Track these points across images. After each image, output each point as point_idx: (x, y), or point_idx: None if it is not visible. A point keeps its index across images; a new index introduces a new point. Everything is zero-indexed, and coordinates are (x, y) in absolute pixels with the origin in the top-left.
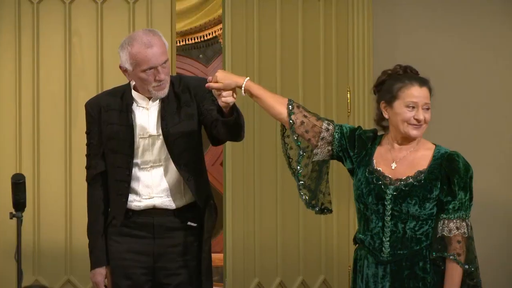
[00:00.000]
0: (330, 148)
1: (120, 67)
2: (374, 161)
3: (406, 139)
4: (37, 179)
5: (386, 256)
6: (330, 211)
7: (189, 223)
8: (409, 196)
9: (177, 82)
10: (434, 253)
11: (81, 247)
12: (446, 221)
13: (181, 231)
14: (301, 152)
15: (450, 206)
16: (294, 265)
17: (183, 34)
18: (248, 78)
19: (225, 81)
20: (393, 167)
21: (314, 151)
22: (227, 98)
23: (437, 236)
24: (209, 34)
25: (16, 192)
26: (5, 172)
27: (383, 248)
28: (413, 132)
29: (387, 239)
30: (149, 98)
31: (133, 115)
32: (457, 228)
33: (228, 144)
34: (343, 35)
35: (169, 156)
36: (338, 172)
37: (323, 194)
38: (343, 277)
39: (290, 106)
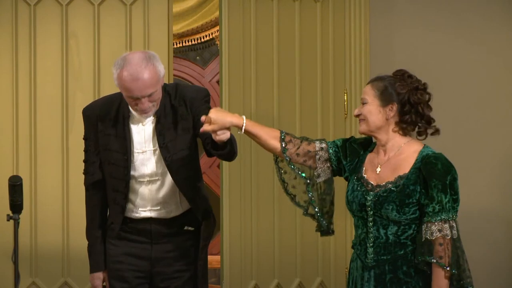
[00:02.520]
0: (329, 164)
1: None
2: (364, 168)
3: (374, 137)
4: (34, 181)
5: (370, 261)
6: (332, 232)
7: (186, 227)
8: (386, 202)
9: (173, 92)
10: (419, 257)
11: (78, 249)
12: (428, 224)
13: (179, 237)
14: (308, 181)
15: (430, 209)
16: (291, 267)
17: (180, 36)
18: (245, 118)
19: (220, 121)
20: (378, 172)
21: (316, 173)
22: (221, 136)
23: (422, 240)
24: (206, 36)
25: (13, 194)
26: (2, 174)
27: (367, 254)
28: (359, 128)
29: (371, 245)
30: None
31: (129, 128)
32: (439, 231)
33: None
34: (340, 36)
35: (166, 169)
36: None
37: (330, 217)
38: (340, 279)
39: (283, 144)
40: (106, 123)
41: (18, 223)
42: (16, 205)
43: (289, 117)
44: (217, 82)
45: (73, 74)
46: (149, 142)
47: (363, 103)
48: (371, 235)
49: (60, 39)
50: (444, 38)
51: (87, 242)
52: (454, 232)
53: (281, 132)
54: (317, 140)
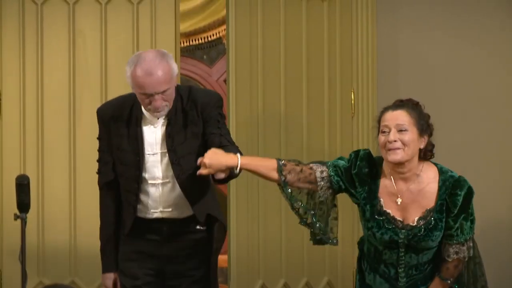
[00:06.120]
0: (331, 190)
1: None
2: (381, 200)
3: (396, 166)
4: (41, 181)
5: (403, 285)
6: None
7: (198, 227)
8: (423, 241)
9: (185, 96)
10: (437, 274)
11: (85, 248)
12: (446, 246)
13: (191, 235)
14: (307, 210)
15: (452, 233)
16: (298, 267)
17: (187, 35)
18: (239, 156)
19: (215, 165)
20: (398, 202)
21: (317, 194)
22: (218, 176)
23: (441, 257)
24: (213, 35)
25: (21, 193)
26: (10, 174)
27: (399, 277)
28: (391, 156)
29: (402, 269)
30: None
31: (141, 129)
32: (456, 253)
33: None
34: (347, 35)
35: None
36: None
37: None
38: (347, 278)
39: (282, 177)
40: (119, 123)
41: (25, 222)
42: (23, 204)
43: (296, 116)
44: (224, 81)
45: (80, 72)
46: (159, 144)
47: (401, 130)
48: (402, 261)
49: (67, 37)
50: (449, 39)
51: (95, 241)
52: (471, 251)
53: (279, 163)
54: (316, 163)
